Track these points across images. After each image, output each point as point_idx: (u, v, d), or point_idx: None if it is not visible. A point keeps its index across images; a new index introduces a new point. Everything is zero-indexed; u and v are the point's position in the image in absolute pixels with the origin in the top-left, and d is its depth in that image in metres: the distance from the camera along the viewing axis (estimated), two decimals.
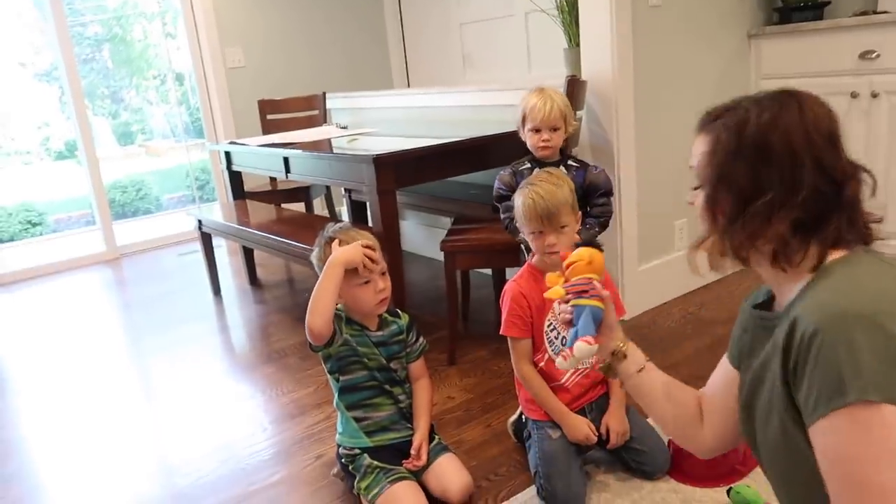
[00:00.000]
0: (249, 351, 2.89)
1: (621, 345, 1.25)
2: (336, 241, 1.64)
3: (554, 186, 1.66)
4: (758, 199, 0.91)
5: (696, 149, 1.00)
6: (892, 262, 0.92)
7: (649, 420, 1.87)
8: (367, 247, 1.62)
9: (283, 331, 3.03)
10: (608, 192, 2.12)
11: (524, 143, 2.14)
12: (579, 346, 1.18)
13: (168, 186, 6.64)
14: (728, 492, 1.55)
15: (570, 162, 2.14)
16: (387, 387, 1.71)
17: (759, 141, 0.90)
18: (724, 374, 1.17)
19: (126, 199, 6.31)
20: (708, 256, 0.99)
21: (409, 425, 1.75)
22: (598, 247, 1.26)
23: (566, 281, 1.27)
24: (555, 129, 2.04)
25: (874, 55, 2.58)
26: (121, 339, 3.20)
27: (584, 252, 1.29)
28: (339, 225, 1.72)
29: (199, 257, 3.69)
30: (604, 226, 2.13)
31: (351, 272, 1.60)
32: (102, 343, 3.14)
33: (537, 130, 2.04)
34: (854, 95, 2.65)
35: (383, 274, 1.66)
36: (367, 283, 1.62)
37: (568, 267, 1.28)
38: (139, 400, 2.55)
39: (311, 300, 1.57)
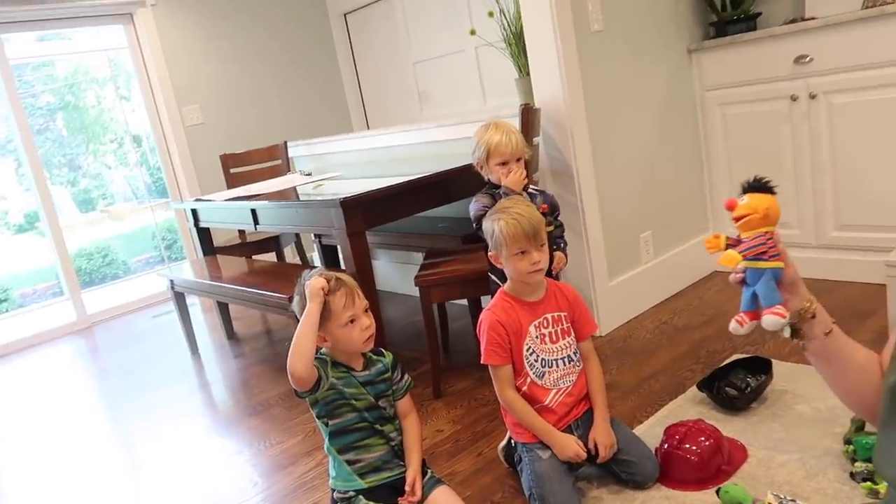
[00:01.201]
0: (232, 406, 2.87)
1: (808, 304, 1.10)
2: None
3: (529, 207, 1.73)
4: None
5: None
6: None
7: (634, 430, 1.91)
8: (335, 279, 1.64)
9: (266, 382, 3.01)
10: (559, 214, 2.29)
11: (477, 176, 2.22)
12: (769, 319, 1.04)
13: (134, 249, 6.58)
14: (717, 492, 1.58)
15: (530, 189, 2.22)
16: (378, 426, 1.72)
17: None
18: None
19: (93, 267, 6.23)
20: None
21: (401, 463, 1.76)
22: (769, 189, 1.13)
23: (738, 241, 1.09)
24: (519, 160, 2.12)
25: (808, 59, 2.71)
26: (99, 407, 3.16)
27: (758, 201, 1.10)
28: (315, 271, 1.74)
29: (174, 317, 3.66)
30: (565, 242, 2.30)
31: (333, 313, 1.62)
32: (80, 414, 3.09)
33: (504, 163, 2.10)
34: (794, 98, 2.77)
35: (367, 311, 1.68)
36: (351, 322, 1.64)
37: (738, 220, 1.10)
38: (122, 468, 2.51)
39: (292, 344, 1.59)
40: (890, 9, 2.47)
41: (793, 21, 2.82)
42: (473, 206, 2.17)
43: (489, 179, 2.19)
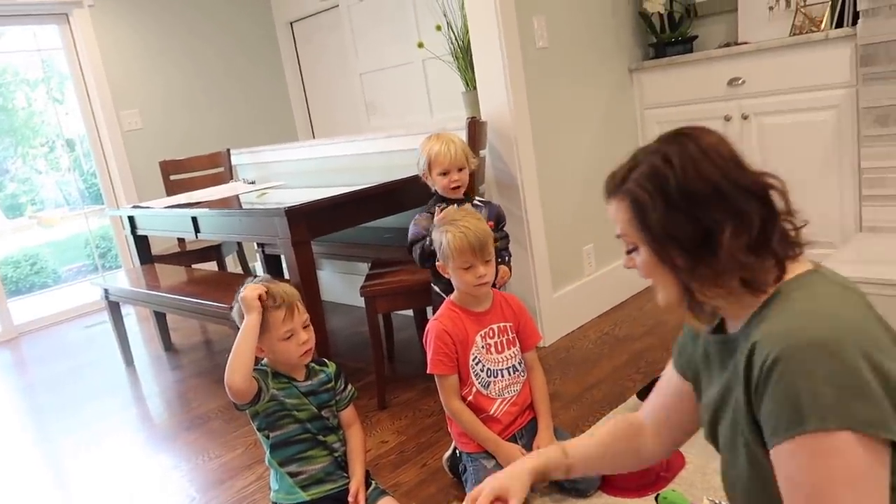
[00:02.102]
0: (169, 419, 2.78)
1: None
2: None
3: (477, 220, 1.75)
4: (708, 240, 0.91)
5: (615, 216, 1.00)
6: (845, 283, 0.95)
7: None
8: (273, 292, 1.62)
9: (204, 395, 2.93)
10: (504, 225, 2.31)
11: (425, 187, 2.24)
12: None
13: (66, 258, 6.32)
14: (656, 498, 1.62)
15: (476, 200, 2.24)
16: (320, 437, 1.70)
17: (685, 189, 0.91)
18: (672, 387, 1.18)
19: (20, 275, 5.96)
20: (691, 316, 0.99)
21: (345, 475, 1.74)
22: None
23: None
24: (461, 170, 2.14)
25: (740, 81, 2.84)
26: (26, 423, 3.01)
27: None
28: (258, 278, 1.71)
29: (108, 328, 3.53)
30: (509, 254, 2.32)
31: (271, 326, 1.60)
32: (5, 430, 2.94)
33: (446, 173, 2.12)
34: (727, 118, 2.89)
35: (306, 327, 1.65)
36: (289, 336, 1.62)
37: None
38: (52, 487, 2.40)
39: (229, 358, 1.56)
40: (815, 37, 2.61)
41: (727, 45, 2.95)
42: (413, 227, 2.17)
43: (435, 191, 2.20)
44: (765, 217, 0.92)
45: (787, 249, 0.94)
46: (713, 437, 1.04)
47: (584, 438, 1.31)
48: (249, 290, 1.59)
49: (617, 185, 0.98)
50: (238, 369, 1.55)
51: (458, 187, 2.15)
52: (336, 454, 1.73)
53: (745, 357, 0.89)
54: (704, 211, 0.91)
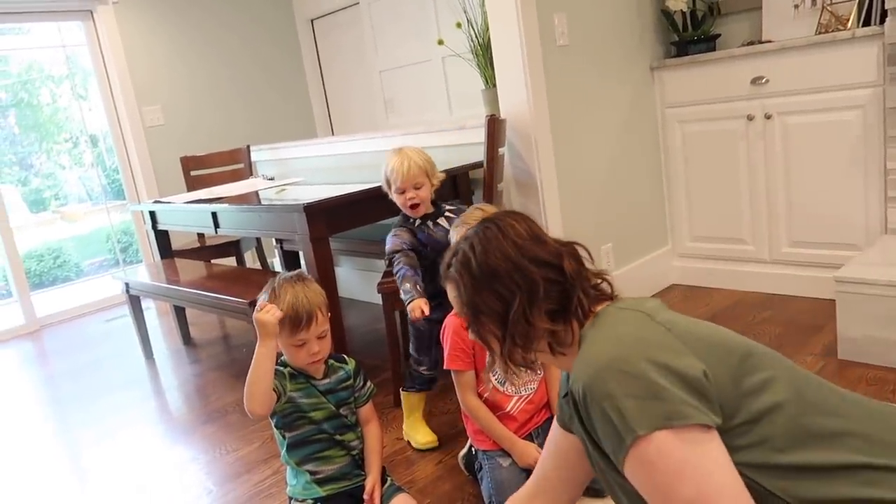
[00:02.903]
0: (187, 413, 2.81)
1: None
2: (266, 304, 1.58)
3: (478, 223, 1.73)
4: (509, 311, 1.04)
5: (450, 297, 1.14)
6: (634, 305, 1.04)
7: None
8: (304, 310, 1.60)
9: (222, 389, 2.96)
10: None
11: (443, 185, 2.21)
12: None
13: (88, 252, 6.41)
14: None
15: (447, 212, 2.19)
16: (337, 437, 1.69)
17: (485, 268, 1.06)
18: (560, 444, 1.23)
19: (43, 269, 6.05)
20: (506, 375, 1.15)
21: (361, 472, 1.74)
22: None
23: None
24: (417, 187, 2.07)
25: (764, 80, 2.80)
26: (47, 414, 3.05)
27: None
28: (288, 274, 1.70)
29: (128, 321, 3.57)
30: None
31: (289, 329, 1.59)
32: (26, 421, 2.99)
33: (403, 191, 2.07)
34: (750, 118, 2.86)
35: (322, 338, 1.62)
36: (301, 345, 1.61)
37: None
38: (72, 477, 2.43)
39: (246, 383, 1.52)
40: (841, 35, 2.57)
41: (750, 43, 2.91)
42: (391, 239, 2.11)
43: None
44: (564, 286, 1.05)
45: (591, 307, 1.06)
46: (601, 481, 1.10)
47: None
48: (267, 314, 1.52)
49: (445, 271, 1.14)
50: (256, 397, 1.53)
51: (417, 205, 2.08)
52: (353, 452, 1.73)
53: (572, 403, 0.99)
54: (502, 284, 1.05)
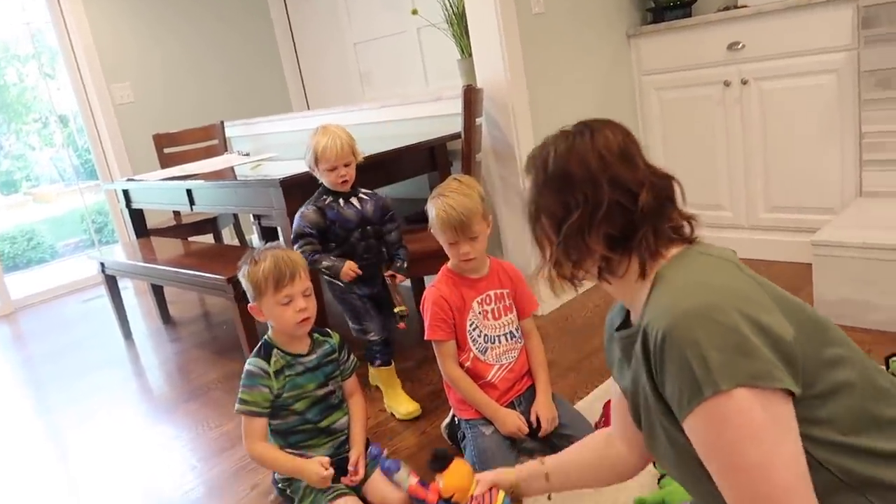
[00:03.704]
0: (169, 391, 2.79)
1: (512, 489, 1.33)
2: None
3: (464, 196, 1.72)
4: (566, 221, 0.98)
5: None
6: (719, 253, 0.99)
7: (575, 406, 1.96)
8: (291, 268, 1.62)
9: (203, 366, 2.94)
10: (395, 216, 2.28)
11: (421, 156, 2.20)
12: None
13: (62, 233, 6.31)
14: (654, 464, 1.62)
15: (361, 192, 2.21)
16: (322, 424, 1.69)
17: (559, 170, 1.00)
18: (619, 395, 1.20)
19: (16, 251, 5.95)
20: (549, 283, 1.06)
21: (346, 447, 1.74)
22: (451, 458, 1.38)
23: None
24: (347, 164, 2.11)
25: (740, 46, 2.79)
26: (26, 396, 3.02)
27: (455, 480, 1.33)
28: (265, 246, 1.70)
29: (105, 302, 3.53)
30: (406, 251, 2.28)
31: (273, 285, 1.59)
32: (6, 403, 2.95)
33: (333, 169, 2.09)
34: (727, 84, 2.86)
35: (307, 296, 1.63)
36: (288, 302, 1.60)
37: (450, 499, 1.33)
38: (52, 457, 2.41)
39: (268, 462, 1.65)
40: None
41: (726, 8, 2.90)
42: (297, 220, 2.13)
43: (321, 183, 2.17)
44: (630, 212, 0.97)
45: (662, 247, 0.98)
46: (638, 424, 1.07)
47: (563, 452, 1.34)
48: (319, 477, 1.58)
49: (528, 163, 1.07)
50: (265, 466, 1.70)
51: (346, 181, 2.12)
52: (340, 437, 1.72)
53: (640, 344, 0.93)
54: (570, 192, 0.98)
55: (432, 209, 1.73)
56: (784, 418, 0.84)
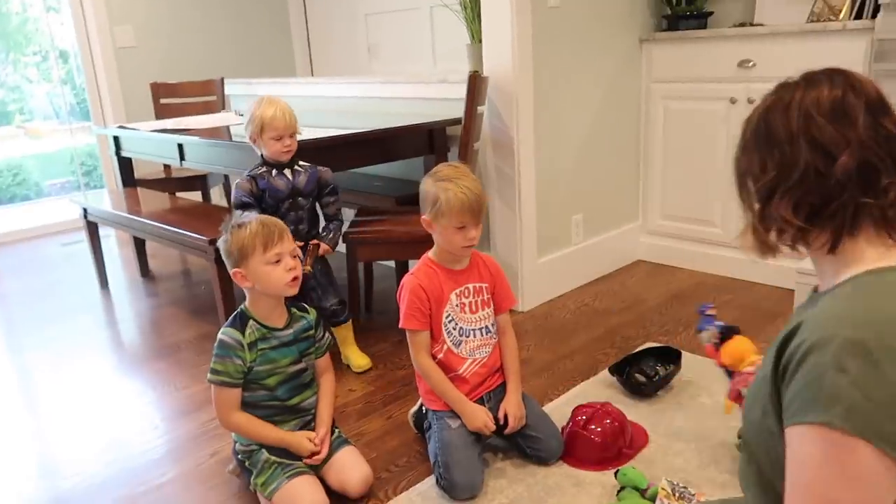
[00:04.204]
0: (140, 346, 2.76)
1: None
2: None
3: (475, 181, 1.69)
4: (760, 181, 0.93)
5: None
6: None
7: (544, 408, 1.95)
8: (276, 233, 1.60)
9: (177, 324, 2.91)
10: (336, 190, 2.32)
11: (419, 138, 2.29)
12: None
13: (51, 172, 6.21)
14: (616, 473, 1.63)
15: (297, 164, 2.25)
16: (290, 402, 1.68)
17: (761, 128, 0.93)
18: None
19: (1, 185, 5.86)
20: (752, 246, 0.99)
21: (312, 425, 1.73)
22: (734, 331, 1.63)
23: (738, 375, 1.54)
24: (292, 135, 2.17)
25: (751, 64, 2.77)
26: None
27: (741, 348, 1.57)
28: (246, 215, 1.68)
29: (86, 248, 3.48)
30: (340, 225, 2.33)
31: (262, 245, 1.57)
32: None
33: (279, 138, 2.14)
34: (733, 101, 2.84)
35: (294, 256, 1.64)
36: (277, 261, 1.59)
37: (728, 367, 1.59)
38: (17, 399, 2.38)
39: (244, 430, 1.64)
40: (832, 26, 2.54)
41: (742, 24, 2.87)
42: (237, 191, 2.19)
43: (261, 154, 2.21)
44: (826, 179, 0.87)
45: (855, 225, 0.88)
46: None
47: None
48: (308, 451, 1.64)
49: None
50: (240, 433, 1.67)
51: (289, 151, 2.18)
52: (307, 417, 1.71)
53: (789, 328, 0.87)
54: (768, 151, 0.91)
55: (442, 194, 1.67)
56: (888, 486, 0.79)
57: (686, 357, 2.16)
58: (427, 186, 1.72)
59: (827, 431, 0.79)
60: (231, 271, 1.63)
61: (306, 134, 2.53)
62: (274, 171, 2.20)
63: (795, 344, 0.84)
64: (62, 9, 4.88)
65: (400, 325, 1.76)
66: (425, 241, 1.89)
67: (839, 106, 0.87)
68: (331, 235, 2.30)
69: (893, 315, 0.81)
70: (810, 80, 0.91)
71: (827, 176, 0.86)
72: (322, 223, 2.36)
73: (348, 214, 3.35)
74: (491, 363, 1.85)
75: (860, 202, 0.86)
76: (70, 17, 4.39)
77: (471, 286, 1.82)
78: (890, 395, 0.77)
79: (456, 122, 2.63)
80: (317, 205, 2.32)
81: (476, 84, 2.40)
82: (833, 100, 0.88)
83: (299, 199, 2.24)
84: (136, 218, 2.90)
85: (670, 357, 2.16)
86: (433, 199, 1.69)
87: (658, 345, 2.27)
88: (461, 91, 2.48)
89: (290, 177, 2.22)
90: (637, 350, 2.26)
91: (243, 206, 2.16)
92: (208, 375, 1.60)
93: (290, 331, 1.68)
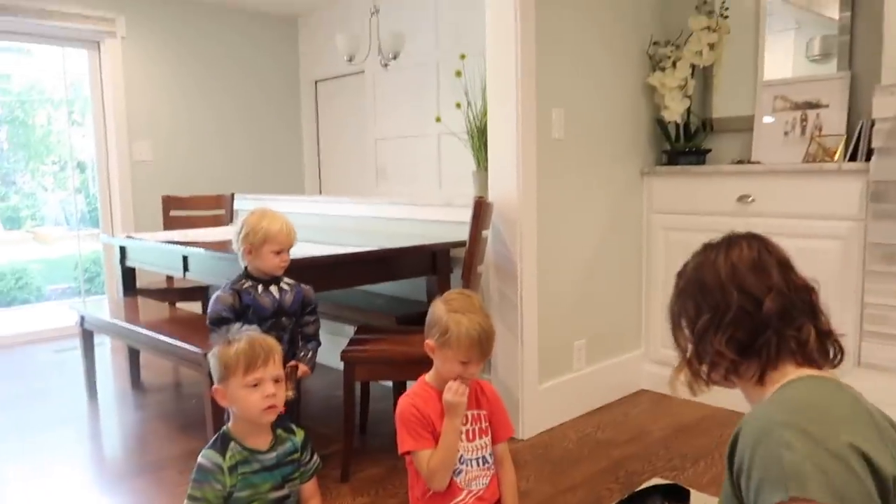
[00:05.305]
0: (121, 461, 2.65)
1: None
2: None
3: (486, 316, 1.66)
4: (696, 323, 1.10)
5: None
6: (844, 386, 1.03)
7: None
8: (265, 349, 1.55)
9: (163, 440, 2.80)
10: (316, 310, 2.28)
11: (423, 259, 2.33)
12: None
13: (54, 276, 6.24)
14: None
15: (283, 282, 2.20)
16: None
17: (693, 278, 1.13)
18: None
19: (3, 288, 5.86)
20: (686, 384, 1.15)
21: None
22: None
23: None
24: (289, 250, 2.15)
25: (750, 199, 2.84)
26: None
27: None
28: (242, 328, 1.63)
29: (78, 355, 3.42)
30: (318, 346, 2.28)
31: (244, 367, 1.51)
32: None
33: (279, 252, 2.12)
34: None
35: (277, 381, 1.55)
36: (255, 385, 1.52)
37: None
38: None
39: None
40: (827, 167, 2.63)
41: (740, 162, 2.97)
42: (216, 304, 2.10)
43: (246, 267, 2.16)
44: (754, 318, 1.06)
45: (778, 357, 1.05)
46: None
47: None
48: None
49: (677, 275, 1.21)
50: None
51: (284, 266, 2.14)
52: None
53: (730, 441, 1.01)
54: (703, 297, 1.10)
55: (454, 324, 1.63)
56: None
57: (695, 496, 2.05)
58: (438, 312, 1.68)
59: None
60: (213, 388, 1.57)
61: (311, 250, 2.55)
62: (260, 287, 2.13)
63: (741, 446, 0.97)
64: (85, 123, 5.10)
65: (400, 451, 1.68)
66: (425, 363, 1.84)
67: (757, 262, 1.09)
68: (309, 356, 2.23)
69: (810, 401, 0.99)
70: (731, 242, 1.13)
71: (754, 315, 1.06)
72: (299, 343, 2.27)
73: (348, 330, 3.32)
74: (489, 496, 1.75)
75: (783, 334, 1.05)
76: (92, 130, 4.58)
77: (468, 413, 1.75)
78: (834, 462, 0.88)
79: (459, 244, 2.66)
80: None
81: (481, 209, 2.45)
82: (751, 257, 1.10)
83: (282, 318, 2.17)
84: (132, 328, 2.87)
85: (678, 496, 2.05)
86: (443, 329, 1.65)
87: (665, 482, 2.16)
88: (465, 215, 2.53)
89: (276, 294, 2.15)
90: (642, 487, 2.15)
91: (220, 323, 2.03)
92: (185, 502, 1.51)
93: (273, 454, 1.59)
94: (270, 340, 1.59)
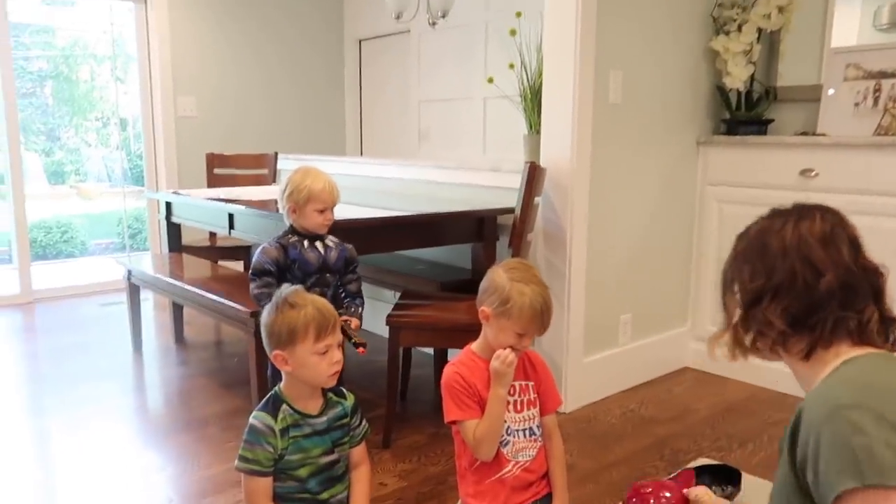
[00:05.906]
0: (165, 416, 2.68)
1: None
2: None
3: (546, 289, 1.60)
4: (751, 289, 1.06)
5: None
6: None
7: None
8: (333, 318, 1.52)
9: (206, 396, 2.83)
10: (357, 268, 2.25)
11: (469, 225, 2.34)
12: None
13: (97, 231, 6.34)
14: None
15: (328, 239, 2.19)
16: (322, 495, 1.55)
17: (756, 242, 1.08)
18: None
19: (49, 241, 5.98)
20: (728, 346, 1.11)
21: None
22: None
23: None
24: (332, 209, 2.14)
25: (813, 173, 2.71)
26: (22, 392, 2.93)
27: None
28: (292, 288, 1.59)
29: (123, 309, 3.46)
30: (363, 302, 2.27)
31: (315, 334, 1.48)
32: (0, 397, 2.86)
33: (322, 211, 2.10)
34: None
35: (339, 346, 1.54)
36: (325, 352, 1.48)
37: None
38: (33, 464, 2.29)
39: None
40: None
41: (804, 133, 2.83)
42: (262, 256, 2.10)
43: (292, 224, 2.15)
44: (816, 297, 1.01)
45: (833, 337, 1.00)
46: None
47: None
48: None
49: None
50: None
51: (328, 225, 2.14)
52: None
53: (791, 424, 0.96)
54: (763, 263, 1.06)
55: (518, 294, 1.57)
56: None
57: (746, 479, 1.99)
58: (499, 280, 1.61)
59: (868, 493, 0.83)
60: (272, 352, 1.53)
61: (356, 212, 2.51)
62: (306, 243, 2.14)
63: (804, 433, 0.92)
64: (128, 79, 5.11)
65: (446, 421, 1.65)
66: (470, 331, 1.79)
67: (829, 235, 1.04)
68: (360, 311, 2.23)
69: (877, 380, 0.94)
70: (803, 211, 1.08)
71: (813, 289, 1.01)
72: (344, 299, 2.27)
73: (388, 296, 3.30)
74: (536, 468, 1.70)
75: (840, 316, 1.00)
76: (136, 86, 4.57)
77: (516, 384, 1.70)
78: None
79: (507, 210, 2.59)
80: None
81: (534, 174, 2.37)
82: (823, 230, 1.04)
83: (327, 275, 2.17)
84: (179, 284, 2.88)
85: (728, 477, 1.99)
86: (504, 298, 1.59)
87: (713, 462, 2.10)
88: (512, 180, 2.45)
89: (321, 251, 2.15)
90: (689, 466, 2.09)
91: (263, 274, 2.07)
92: (237, 462, 1.49)
93: (324, 418, 1.57)
94: (330, 306, 1.56)
